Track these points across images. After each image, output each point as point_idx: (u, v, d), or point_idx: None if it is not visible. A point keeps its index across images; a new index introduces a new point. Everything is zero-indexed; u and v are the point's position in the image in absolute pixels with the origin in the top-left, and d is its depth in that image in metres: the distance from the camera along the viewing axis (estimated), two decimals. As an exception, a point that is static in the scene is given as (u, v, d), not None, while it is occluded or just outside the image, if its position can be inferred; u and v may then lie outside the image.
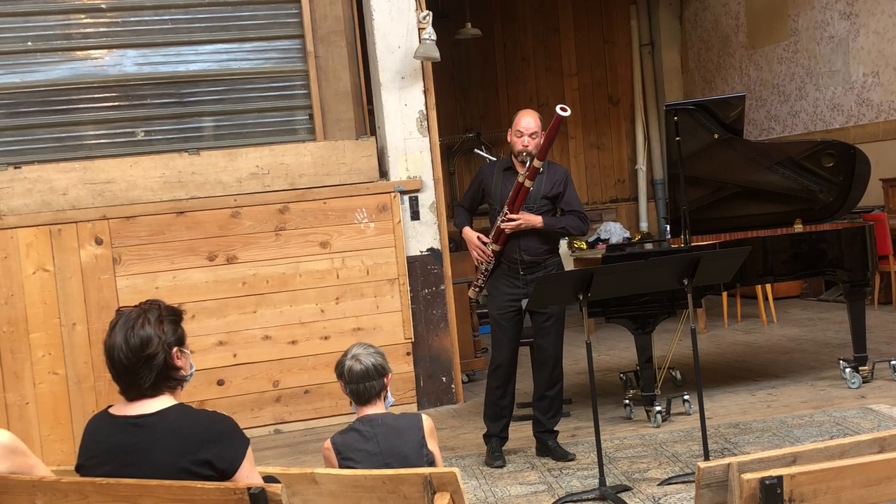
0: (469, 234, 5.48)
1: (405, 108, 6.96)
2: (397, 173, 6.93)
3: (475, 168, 11.89)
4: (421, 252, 6.91)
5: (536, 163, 5.22)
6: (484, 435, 5.50)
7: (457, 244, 9.82)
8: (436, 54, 6.84)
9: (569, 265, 9.91)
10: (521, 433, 5.64)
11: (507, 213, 5.27)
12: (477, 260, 5.46)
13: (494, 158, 6.34)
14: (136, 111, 6.91)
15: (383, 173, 6.99)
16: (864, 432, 5.08)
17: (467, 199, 5.69)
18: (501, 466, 5.28)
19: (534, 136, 5.31)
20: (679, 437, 5.49)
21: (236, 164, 6.72)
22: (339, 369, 3.46)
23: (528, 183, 5.24)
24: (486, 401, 5.49)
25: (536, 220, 5.31)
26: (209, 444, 2.56)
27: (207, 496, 2.45)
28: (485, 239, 5.39)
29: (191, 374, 2.77)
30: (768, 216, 6.60)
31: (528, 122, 5.35)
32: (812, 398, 6.06)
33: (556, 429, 5.46)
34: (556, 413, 5.48)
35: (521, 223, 5.26)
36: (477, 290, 5.63)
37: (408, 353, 6.82)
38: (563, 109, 5.14)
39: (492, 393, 5.43)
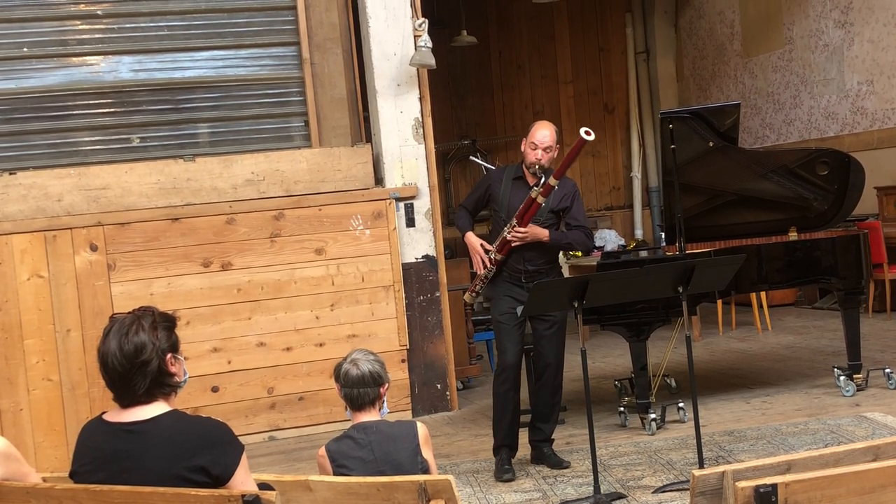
0: (472, 239, 5.37)
1: (401, 115, 6.96)
2: (393, 180, 6.93)
3: (471, 175, 11.94)
4: (416, 259, 6.91)
5: (552, 181, 5.15)
6: (494, 447, 5.32)
7: (452, 251, 9.82)
8: (431, 61, 6.84)
9: (564, 272, 9.90)
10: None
11: (514, 226, 5.21)
12: (477, 267, 5.38)
13: (491, 166, 6.31)
14: (132, 117, 6.90)
15: (379, 180, 6.99)
16: (859, 440, 5.08)
17: (471, 202, 5.59)
18: (511, 480, 5.11)
19: (548, 150, 5.25)
20: (674, 444, 5.49)
21: (231, 170, 6.72)
22: (337, 372, 3.47)
23: (540, 199, 5.17)
24: (496, 410, 5.30)
25: (543, 233, 5.26)
26: (203, 451, 2.55)
27: (201, 503, 2.45)
28: (487, 247, 5.31)
29: (185, 381, 2.76)
30: (763, 224, 6.61)
31: (543, 134, 5.26)
32: (806, 406, 6.06)
33: (552, 436, 5.45)
34: (555, 421, 5.46)
35: (527, 237, 5.21)
36: (474, 294, 5.55)
37: (403, 360, 6.82)
38: (588, 133, 5.06)
39: (501, 398, 5.25)
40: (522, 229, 5.19)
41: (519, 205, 5.26)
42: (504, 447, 5.28)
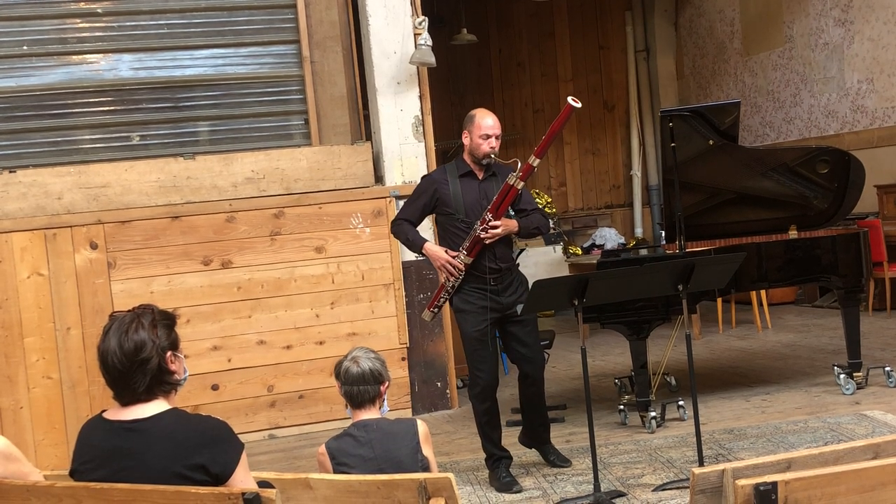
0: (434, 249, 5.01)
1: (401, 114, 6.96)
2: (393, 178, 6.93)
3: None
4: (416, 257, 6.89)
5: (534, 161, 4.88)
6: (493, 460, 5.11)
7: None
8: (431, 59, 6.84)
9: (563, 271, 9.91)
10: (510, 439, 5.61)
11: (488, 221, 4.86)
12: (447, 277, 4.98)
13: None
14: (132, 115, 6.90)
15: (378, 178, 6.99)
16: (859, 438, 5.09)
17: (414, 212, 5.14)
18: (521, 490, 4.93)
19: (498, 138, 4.98)
20: (674, 442, 5.50)
21: (232, 168, 6.72)
22: (338, 369, 3.48)
23: (519, 185, 4.88)
24: (485, 425, 5.09)
25: (514, 224, 5.00)
26: (203, 449, 2.55)
27: (201, 501, 2.45)
28: (453, 253, 4.95)
29: (185, 379, 2.76)
30: (763, 222, 6.62)
31: (494, 122, 4.96)
32: (806, 404, 6.06)
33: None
34: (548, 424, 5.43)
35: (502, 231, 4.91)
36: (435, 311, 5.16)
37: (403, 359, 6.82)
38: (575, 101, 4.77)
39: (488, 414, 5.07)
40: (497, 223, 4.87)
41: (477, 202, 4.98)
42: (504, 459, 5.11)
